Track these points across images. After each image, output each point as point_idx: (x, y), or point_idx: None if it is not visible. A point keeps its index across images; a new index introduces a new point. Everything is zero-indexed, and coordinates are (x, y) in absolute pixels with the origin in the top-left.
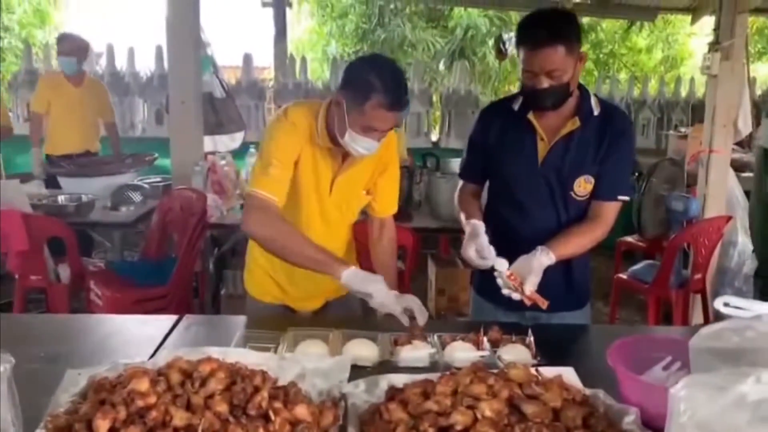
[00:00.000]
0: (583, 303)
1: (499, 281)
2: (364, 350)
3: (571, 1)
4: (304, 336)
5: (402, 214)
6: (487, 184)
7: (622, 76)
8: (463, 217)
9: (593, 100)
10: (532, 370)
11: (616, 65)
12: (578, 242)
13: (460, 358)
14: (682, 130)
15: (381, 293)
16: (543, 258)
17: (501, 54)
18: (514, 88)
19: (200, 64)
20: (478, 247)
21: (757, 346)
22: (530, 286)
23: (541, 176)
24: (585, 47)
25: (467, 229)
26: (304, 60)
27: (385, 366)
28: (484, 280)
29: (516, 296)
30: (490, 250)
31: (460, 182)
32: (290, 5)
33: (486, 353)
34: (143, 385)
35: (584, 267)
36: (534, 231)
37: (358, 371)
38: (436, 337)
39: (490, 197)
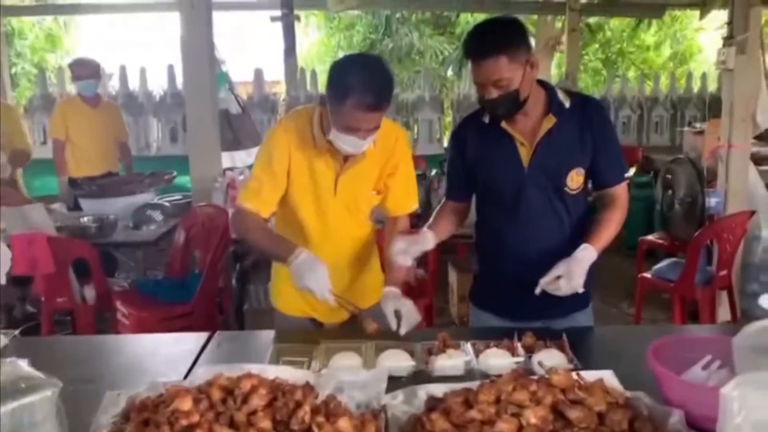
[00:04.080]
0: (586, 303)
1: None
2: (398, 361)
3: (578, 1)
4: (337, 349)
5: (422, 222)
6: (473, 204)
7: (631, 74)
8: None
9: (561, 95)
10: (574, 375)
11: (624, 64)
12: (610, 230)
13: (495, 366)
14: (697, 126)
15: (318, 288)
16: (586, 254)
17: None
18: None
19: (215, 82)
20: (410, 253)
21: None
22: (579, 287)
23: (530, 181)
24: (593, 47)
25: (420, 232)
26: (314, 73)
27: (420, 376)
28: (484, 292)
29: None
30: (409, 261)
31: (443, 200)
32: (298, 19)
33: (521, 359)
34: (186, 404)
35: None
36: (538, 237)
37: (393, 382)
38: (469, 345)
39: (481, 213)
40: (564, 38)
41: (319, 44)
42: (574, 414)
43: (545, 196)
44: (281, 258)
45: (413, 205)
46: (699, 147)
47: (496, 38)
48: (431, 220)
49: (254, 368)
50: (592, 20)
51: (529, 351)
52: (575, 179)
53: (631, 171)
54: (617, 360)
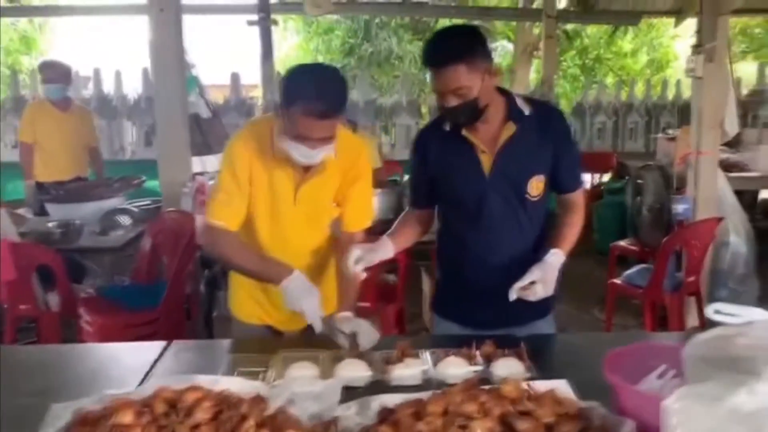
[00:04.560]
0: (549, 311)
1: None
2: (355, 371)
3: (555, 8)
4: (294, 358)
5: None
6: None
7: (609, 80)
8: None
9: (520, 101)
10: (525, 385)
11: (602, 70)
12: (573, 233)
13: (453, 375)
14: (670, 132)
15: (311, 312)
16: (557, 258)
17: None
18: None
19: (185, 86)
20: (365, 261)
21: (751, 354)
22: (550, 291)
23: (492, 189)
24: (570, 53)
25: (379, 241)
26: None
27: (378, 386)
28: (446, 300)
29: None
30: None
31: (408, 208)
32: (276, 23)
33: (479, 368)
34: (127, 417)
35: None
36: (500, 245)
37: (350, 392)
38: (428, 354)
39: (443, 221)
40: (541, 45)
41: (298, 48)
42: (522, 425)
43: (507, 203)
44: (272, 279)
45: (367, 222)
46: (672, 153)
47: (455, 46)
48: (392, 228)
49: (205, 380)
50: (569, 27)
51: (488, 359)
52: (536, 186)
53: (606, 177)
54: (577, 368)
